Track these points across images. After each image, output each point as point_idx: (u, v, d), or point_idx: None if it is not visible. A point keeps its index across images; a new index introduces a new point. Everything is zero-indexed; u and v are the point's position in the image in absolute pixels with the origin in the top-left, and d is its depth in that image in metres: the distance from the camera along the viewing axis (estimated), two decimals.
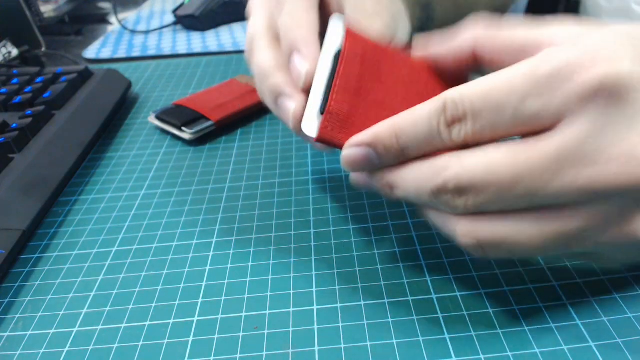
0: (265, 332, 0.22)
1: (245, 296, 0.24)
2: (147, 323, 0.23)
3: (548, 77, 0.17)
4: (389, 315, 0.22)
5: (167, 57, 0.58)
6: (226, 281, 0.25)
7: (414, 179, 0.20)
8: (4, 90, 0.41)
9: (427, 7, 0.37)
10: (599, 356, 0.20)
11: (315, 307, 0.23)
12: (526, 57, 0.18)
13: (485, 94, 0.18)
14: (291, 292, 0.24)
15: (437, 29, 0.40)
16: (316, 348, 0.21)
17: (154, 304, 0.24)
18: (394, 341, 0.21)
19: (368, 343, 0.21)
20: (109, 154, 0.38)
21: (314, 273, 0.25)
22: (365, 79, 0.23)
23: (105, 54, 0.60)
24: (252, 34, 0.27)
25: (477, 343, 0.21)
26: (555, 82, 0.17)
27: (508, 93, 0.17)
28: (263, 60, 0.25)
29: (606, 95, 0.16)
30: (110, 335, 0.23)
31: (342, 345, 0.21)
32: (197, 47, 0.59)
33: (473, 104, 0.18)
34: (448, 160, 0.18)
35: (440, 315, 0.22)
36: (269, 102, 0.25)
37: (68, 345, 0.23)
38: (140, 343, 0.22)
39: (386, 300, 0.23)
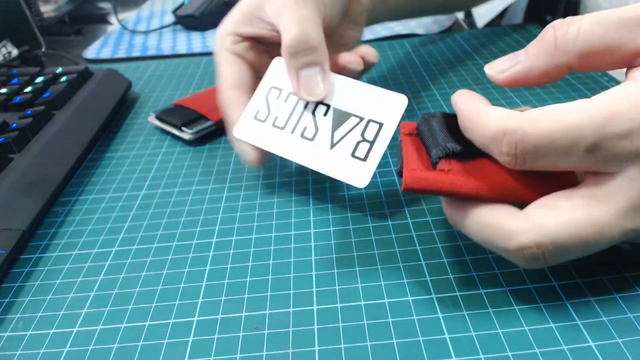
0: (265, 332, 0.22)
1: (245, 296, 0.24)
2: (147, 323, 0.23)
3: (617, 135, 0.17)
4: (389, 315, 0.22)
5: (167, 57, 0.58)
6: (226, 281, 0.25)
7: (480, 232, 0.21)
8: (4, 90, 0.41)
9: None
10: (599, 356, 0.20)
11: (315, 307, 0.23)
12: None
13: (552, 139, 0.18)
14: (291, 292, 0.24)
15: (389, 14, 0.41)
16: (316, 348, 0.21)
17: (154, 304, 0.24)
18: (394, 341, 0.21)
19: (368, 343, 0.21)
20: (109, 154, 0.38)
21: (314, 273, 0.25)
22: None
23: (105, 54, 0.60)
24: None
25: (477, 343, 0.21)
26: (623, 140, 0.17)
27: (575, 142, 0.18)
28: None
29: None
30: (110, 335, 0.23)
31: (342, 345, 0.21)
32: (197, 47, 0.59)
33: (536, 147, 0.18)
34: (521, 227, 0.19)
35: (440, 315, 0.22)
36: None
37: (68, 345, 0.23)
38: (140, 343, 0.22)
39: (386, 300, 0.23)
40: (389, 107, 0.26)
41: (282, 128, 0.29)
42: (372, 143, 0.26)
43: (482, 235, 0.20)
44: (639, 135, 0.17)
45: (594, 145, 0.18)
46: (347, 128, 0.27)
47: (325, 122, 0.28)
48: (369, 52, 0.32)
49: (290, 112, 0.29)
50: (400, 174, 0.23)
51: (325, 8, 0.30)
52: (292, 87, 0.29)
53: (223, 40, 0.32)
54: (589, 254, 0.19)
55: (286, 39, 0.27)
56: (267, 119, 0.29)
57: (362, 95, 0.27)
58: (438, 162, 0.22)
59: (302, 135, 0.28)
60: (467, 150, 0.22)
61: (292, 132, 0.28)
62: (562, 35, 0.20)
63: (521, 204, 0.20)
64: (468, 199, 0.21)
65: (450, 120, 0.23)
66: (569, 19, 0.20)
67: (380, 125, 0.26)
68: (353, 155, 0.26)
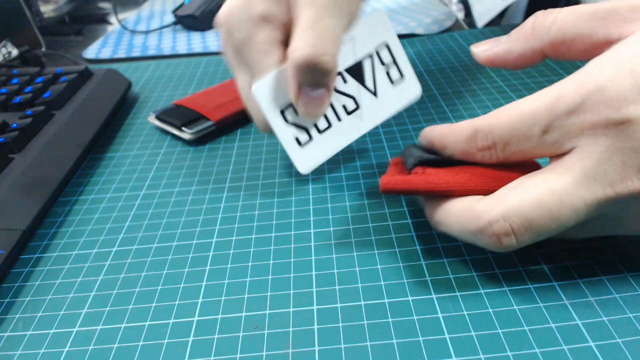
0: (265, 332, 0.22)
1: (245, 296, 0.24)
2: (147, 323, 0.23)
3: (566, 113, 0.20)
4: (389, 315, 0.22)
5: (167, 57, 0.58)
6: (226, 281, 0.25)
7: (456, 221, 0.22)
8: (4, 90, 0.41)
9: None
10: (599, 356, 0.20)
11: (315, 307, 0.23)
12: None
13: (512, 126, 0.21)
14: (291, 292, 0.24)
15: None
16: (316, 348, 0.21)
17: (154, 304, 0.24)
18: (394, 341, 0.21)
19: (368, 343, 0.21)
20: (109, 154, 0.38)
21: (314, 273, 0.25)
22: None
23: (105, 54, 0.60)
24: None
25: (477, 343, 0.21)
26: (572, 117, 0.20)
27: (531, 125, 0.20)
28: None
29: (612, 129, 0.19)
30: (110, 335, 0.23)
31: (342, 345, 0.21)
32: (197, 47, 0.59)
33: (501, 135, 0.21)
34: (487, 205, 0.21)
35: (440, 315, 0.22)
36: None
37: (68, 345, 0.23)
38: (140, 343, 0.22)
39: (386, 300, 0.23)
40: (378, 28, 0.28)
41: (331, 126, 0.28)
42: (394, 61, 0.29)
43: (459, 224, 0.22)
44: (583, 109, 0.19)
45: (548, 125, 0.20)
46: (368, 72, 0.28)
47: (352, 85, 0.28)
48: None
49: None
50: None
51: (351, 17, 0.26)
52: (290, 95, 0.26)
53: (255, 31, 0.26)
54: (561, 230, 0.20)
55: (298, 54, 0.23)
56: (312, 134, 0.27)
57: (353, 40, 0.28)
58: (413, 168, 0.24)
59: (349, 113, 0.28)
60: (442, 161, 0.24)
61: (340, 120, 0.28)
62: (539, 22, 0.23)
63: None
64: (442, 195, 0.23)
65: (426, 148, 0.26)
66: (550, 10, 0.22)
67: (387, 44, 0.28)
68: (391, 82, 0.29)
